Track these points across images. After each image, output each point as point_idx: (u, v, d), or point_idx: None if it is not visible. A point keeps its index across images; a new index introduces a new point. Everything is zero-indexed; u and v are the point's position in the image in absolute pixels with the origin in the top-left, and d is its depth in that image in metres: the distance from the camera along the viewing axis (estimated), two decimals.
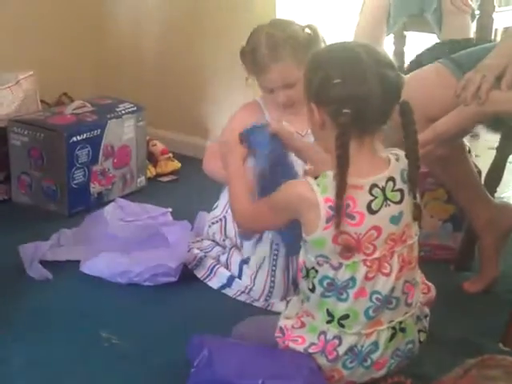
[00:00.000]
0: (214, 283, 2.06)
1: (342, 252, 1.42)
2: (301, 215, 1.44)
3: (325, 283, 1.45)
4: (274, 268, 1.99)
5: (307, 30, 2.02)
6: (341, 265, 1.43)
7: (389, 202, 1.43)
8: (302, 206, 1.43)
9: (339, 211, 1.38)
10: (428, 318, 1.57)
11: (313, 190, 1.41)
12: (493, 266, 2.06)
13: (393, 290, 1.45)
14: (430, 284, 1.59)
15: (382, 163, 1.46)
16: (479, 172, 2.14)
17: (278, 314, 1.65)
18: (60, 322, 1.91)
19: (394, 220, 1.44)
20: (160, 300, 2.01)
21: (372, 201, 1.42)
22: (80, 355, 1.78)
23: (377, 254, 1.43)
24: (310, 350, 1.48)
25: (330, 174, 1.41)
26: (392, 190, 1.44)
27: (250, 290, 2.00)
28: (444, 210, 2.23)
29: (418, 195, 1.48)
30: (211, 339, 1.57)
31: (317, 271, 1.46)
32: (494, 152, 2.17)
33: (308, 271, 1.48)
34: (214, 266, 2.08)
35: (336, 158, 1.38)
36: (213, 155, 2.04)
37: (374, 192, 1.42)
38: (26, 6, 2.98)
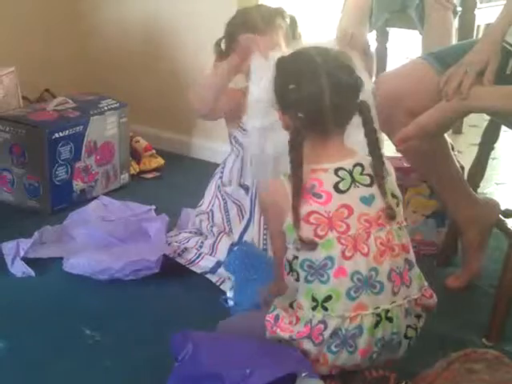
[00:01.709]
0: (197, 269, 2.06)
1: (303, 246, 1.46)
2: (278, 207, 1.50)
3: (305, 266, 1.47)
4: (265, 248, 1.99)
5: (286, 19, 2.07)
6: (316, 245, 1.45)
7: (357, 184, 1.48)
8: (277, 198, 1.50)
9: (297, 211, 1.45)
10: (421, 319, 1.56)
11: (281, 180, 1.49)
12: (476, 262, 2.07)
13: (376, 273, 1.46)
14: (433, 293, 1.58)
15: (350, 153, 1.53)
16: (462, 168, 2.15)
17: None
18: (43, 319, 1.90)
19: (365, 200, 1.48)
20: (143, 295, 2.01)
21: (339, 182, 1.47)
22: (64, 353, 1.77)
23: (351, 232, 1.46)
24: (295, 337, 1.49)
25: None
26: (361, 174, 1.49)
27: None
28: (427, 206, 2.24)
29: (394, 193, 1.52)
30: (195, 334, 1.57)
31: (297, 258, 1.48)
32: (476, 148, 2.18)
33: (290, 264, 1.50)
34: (195, 259, 2.07)
35: (290, 160, 1.46)
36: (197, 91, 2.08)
37: (340, 174, 1.48)
38: (7, 1, 2.96)
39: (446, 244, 2.21)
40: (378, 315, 1.48)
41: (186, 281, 2.07)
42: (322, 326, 1.47)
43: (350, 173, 1.48)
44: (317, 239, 1.45)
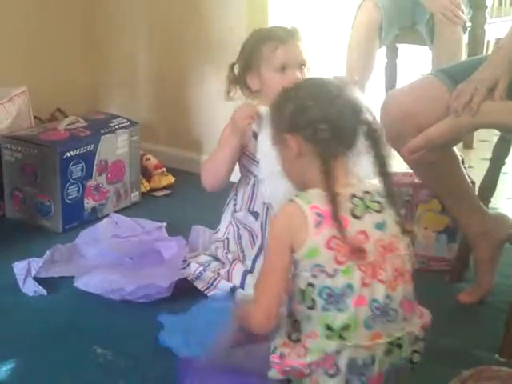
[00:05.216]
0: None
1: (354, 253, 1.42)
2: (294, 233, 1.44)
3: (324, 294, 1.44)
4: None
5: None
6: (336, 271, 1.43)
7: (370, 210, 1.47)
8: (292, 222, 1.45)
9: (337, 215, 1.41)
10: (422, 342, 1.54)
11: (297, 203, 1.45)
12: (488, 277, 2.05)
13: (391, 300, 1.45)
14: (423, 309, 1.57)
15: (356, 179, 1.51)
16: (473, 183, 2.14)
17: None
18: (55, 338, 1.90)
19: (380, 226, 1.47)
20: (155, 315, 2.00)
21: (354, 208, 1.46)
22: (75, 371, 1.77)
23: (370, 259, 1.44)
24: (314, 367, 1.44)
25: (312, 191, 1.46)
26: (371, 201, 1.48)
27: None
28: (438, 222, 2.23)
29: (400, 212, 1.51)
30: (198, 364, 1.55)
31: (313, 285, 1.44)
32: (487, 163, 2.18)
33: (303, 292, 1.46)
34: (215, 280, 2.07)
35: (322, 173, 1.44)
36: (209, 167, 2.12)
37: (353, 201, 1.46)
38: (19, 21, 2.99)
39: (457, 259, 2.20)
40: (391, 343, 1.46)
41: (198, 301, 2.05)
42: (335, 355, 1.44)
43: (362, 199, 1.47)
44: (336, 265, 1.43)
